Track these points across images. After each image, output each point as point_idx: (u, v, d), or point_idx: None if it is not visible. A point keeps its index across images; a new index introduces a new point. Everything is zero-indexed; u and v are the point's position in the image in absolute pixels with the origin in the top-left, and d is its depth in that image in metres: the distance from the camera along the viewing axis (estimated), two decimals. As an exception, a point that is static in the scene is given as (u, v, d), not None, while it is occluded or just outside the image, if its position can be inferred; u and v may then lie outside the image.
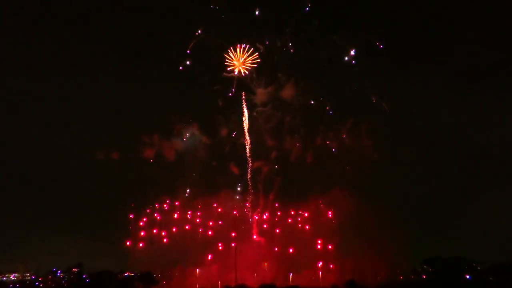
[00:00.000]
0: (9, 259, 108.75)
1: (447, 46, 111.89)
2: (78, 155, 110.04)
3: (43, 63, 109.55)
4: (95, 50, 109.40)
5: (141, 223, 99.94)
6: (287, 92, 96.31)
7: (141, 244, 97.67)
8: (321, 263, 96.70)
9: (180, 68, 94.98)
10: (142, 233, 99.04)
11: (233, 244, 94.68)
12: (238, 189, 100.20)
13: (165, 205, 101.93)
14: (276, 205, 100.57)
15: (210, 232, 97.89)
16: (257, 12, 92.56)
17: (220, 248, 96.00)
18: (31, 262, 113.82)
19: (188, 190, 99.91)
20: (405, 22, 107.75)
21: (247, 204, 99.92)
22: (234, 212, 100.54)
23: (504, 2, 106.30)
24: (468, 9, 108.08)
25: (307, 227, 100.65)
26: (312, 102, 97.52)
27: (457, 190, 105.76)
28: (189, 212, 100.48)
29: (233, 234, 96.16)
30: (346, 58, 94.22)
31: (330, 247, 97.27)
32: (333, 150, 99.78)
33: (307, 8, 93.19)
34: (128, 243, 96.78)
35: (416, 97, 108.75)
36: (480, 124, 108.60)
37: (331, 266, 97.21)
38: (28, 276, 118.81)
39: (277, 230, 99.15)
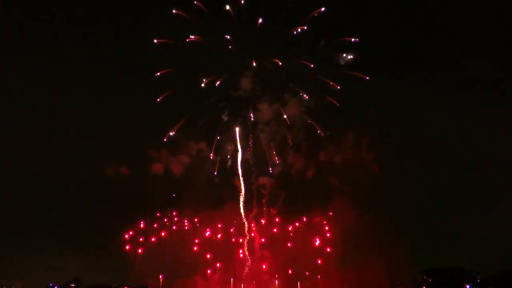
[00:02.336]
0: (5, 275, 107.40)
1: (446, 57, 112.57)
2: (78, 168, 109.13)
3: (51, 74, 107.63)
4: (103, 64, 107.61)
5: (140, 239, 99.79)
6: (291, 110, 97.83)
7: (140, 250, 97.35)
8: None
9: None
10: (141, 239, 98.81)
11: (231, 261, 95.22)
12: (242, 203, 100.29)
13: (165, 219, 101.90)
14: (277, 220, 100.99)
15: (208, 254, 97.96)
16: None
17: (219, 266, 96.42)
18: (27, 278, 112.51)
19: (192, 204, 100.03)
20: (399, 33, 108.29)
21: (250, 216, 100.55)
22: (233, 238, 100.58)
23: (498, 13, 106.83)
24: (463, 19, 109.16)
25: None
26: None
27: (456, 200, 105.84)
28: (186, 222, 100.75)
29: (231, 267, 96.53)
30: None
31: (328, 250, 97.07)
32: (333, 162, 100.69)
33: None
34: (127, 247, 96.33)
35: (415, 109, 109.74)
36: (479, 136, 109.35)
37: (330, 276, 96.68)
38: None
39: (275, 230, 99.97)
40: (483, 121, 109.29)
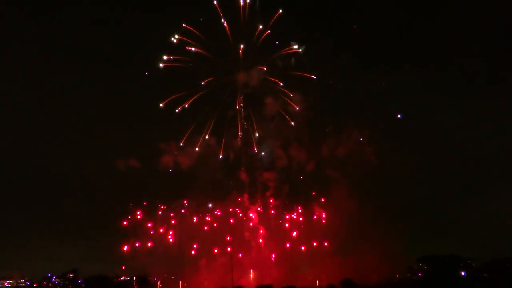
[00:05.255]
0: (3, 265, 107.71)
1: (445, 50, 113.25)
2: (75, 160, 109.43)
3: (59, 68, 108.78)
4: (111, 58, 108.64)
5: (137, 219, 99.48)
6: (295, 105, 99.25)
7: (137, 244, 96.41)
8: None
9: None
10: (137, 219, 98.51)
11: (229, 249, 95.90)
12: (246, 196, 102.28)
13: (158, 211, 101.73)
14: (273, 213, 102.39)
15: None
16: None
17: (216, 251, 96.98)
18: (26, 268, 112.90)
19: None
20: (399, 26, 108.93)
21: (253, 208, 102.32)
22: (231, 221, 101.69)
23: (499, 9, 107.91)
24: (465, 13, 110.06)
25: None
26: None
27: (452, 189, 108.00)
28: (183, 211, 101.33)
29: (228, 238, 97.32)
30: None
31: (326, 244, 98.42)
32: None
33: None
34: (125, 248, 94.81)
35: (414, 100, 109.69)
36: (476, 129, 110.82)
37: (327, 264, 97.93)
38: (23, 283, 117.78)
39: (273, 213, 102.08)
40: (479, 114, 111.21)
